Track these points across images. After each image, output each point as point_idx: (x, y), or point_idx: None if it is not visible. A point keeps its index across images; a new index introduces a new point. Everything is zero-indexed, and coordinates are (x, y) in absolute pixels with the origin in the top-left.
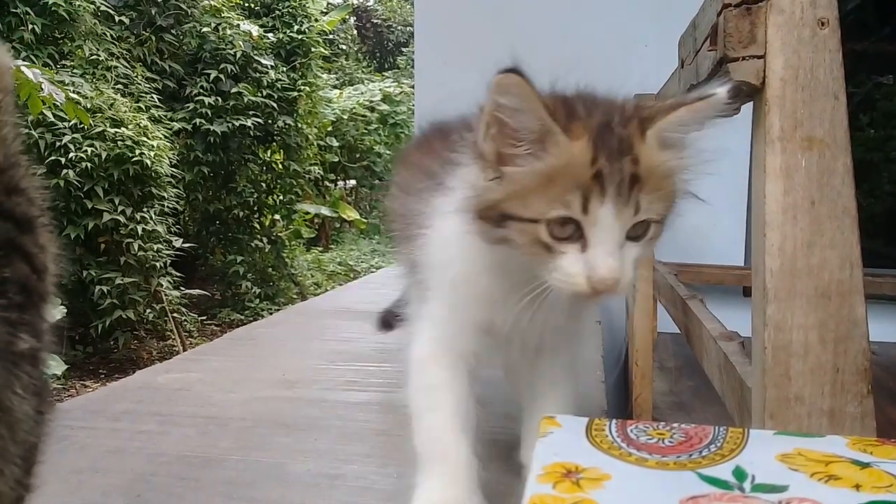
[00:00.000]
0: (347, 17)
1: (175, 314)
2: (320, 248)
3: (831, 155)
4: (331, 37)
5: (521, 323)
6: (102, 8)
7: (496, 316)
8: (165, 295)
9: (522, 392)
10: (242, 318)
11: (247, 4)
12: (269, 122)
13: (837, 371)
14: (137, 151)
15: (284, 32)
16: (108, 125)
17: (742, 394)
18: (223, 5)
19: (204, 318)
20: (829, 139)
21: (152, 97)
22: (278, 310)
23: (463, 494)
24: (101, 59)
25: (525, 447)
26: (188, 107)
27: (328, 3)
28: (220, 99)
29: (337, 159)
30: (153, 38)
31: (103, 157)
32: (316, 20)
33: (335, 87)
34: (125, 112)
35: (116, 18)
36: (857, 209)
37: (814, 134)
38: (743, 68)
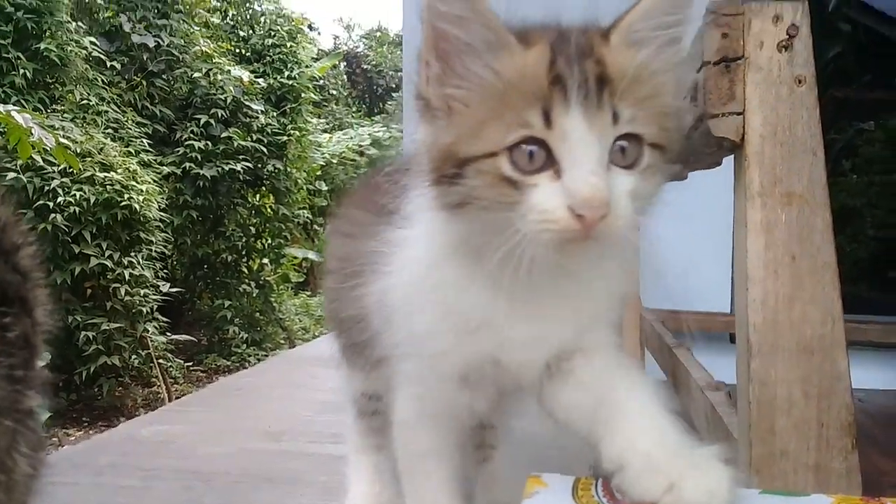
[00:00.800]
0: (338, 63)
1: (161, 360)
2: (308, 293)
3: (811, 210)
4: (321, 82)
5: (515, 347)
6: (94, 53)
7: (478, 347)
8: (151, 341)
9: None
10: (229, 363)
11: (238, 51)
12: (259, 166)
13: (822, 426)
14: (126, 196)
15: (275, 78)
16: (97, 169)
17: (730, 445)
18: (214, 51)
19: (190, 363)
20: (809, 195)
21: (142, 141)
22: (265, 355)
23: None
24: (91, 103)
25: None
26: (178, 151)
27: (319, 50)
28: (210, 143)
29: (326, 203)
30: (144, 83)
31: (92, 201)
32: (306, 66)
33: (325, 131)
34: (115, 156)
35: (108, 64)
36: (837, 261)
37: (793, 189)
38: (723, 124)
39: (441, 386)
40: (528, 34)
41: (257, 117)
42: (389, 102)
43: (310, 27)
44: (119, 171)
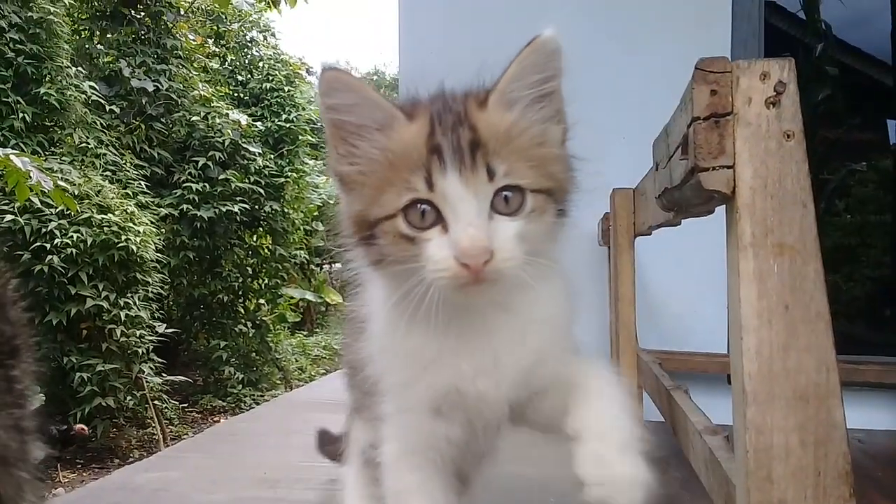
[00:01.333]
0: None
1: (156, 401)
2: (305, 333)
3: (802, 261)
4: (318, 125)
5: (468, 377)
6: (93, 98)
7: (437, 378)
8: (147, 382)
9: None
10: (224, 404)
11: (236, 95)
12: (256, 207)
13: (819, 474)
14: (123, 237)
15: (272, 121)
16: (94, 211)
17: (728, 490)
18: (213, 95)
19: (185, 404)
20: (800, 245)
21: (140, 184)
22: (261, 396)
23: None
24: (90, 146)
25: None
26: (176, 193)
27: (316, 94)
28: (207, 185)
29: (322, 243)
30: (143, 126)
31: (89, 242)
32: (303, 109)
33: (322, 172)
34: (112, 198)
35: (107, 107)
36: (835, 297)
37: (784, 241)
38: (714, 178)
39: (416, 419)
40: (414, 108)
41: (255, 159)
42: None
43: (307, 71)
44: (116, 212)
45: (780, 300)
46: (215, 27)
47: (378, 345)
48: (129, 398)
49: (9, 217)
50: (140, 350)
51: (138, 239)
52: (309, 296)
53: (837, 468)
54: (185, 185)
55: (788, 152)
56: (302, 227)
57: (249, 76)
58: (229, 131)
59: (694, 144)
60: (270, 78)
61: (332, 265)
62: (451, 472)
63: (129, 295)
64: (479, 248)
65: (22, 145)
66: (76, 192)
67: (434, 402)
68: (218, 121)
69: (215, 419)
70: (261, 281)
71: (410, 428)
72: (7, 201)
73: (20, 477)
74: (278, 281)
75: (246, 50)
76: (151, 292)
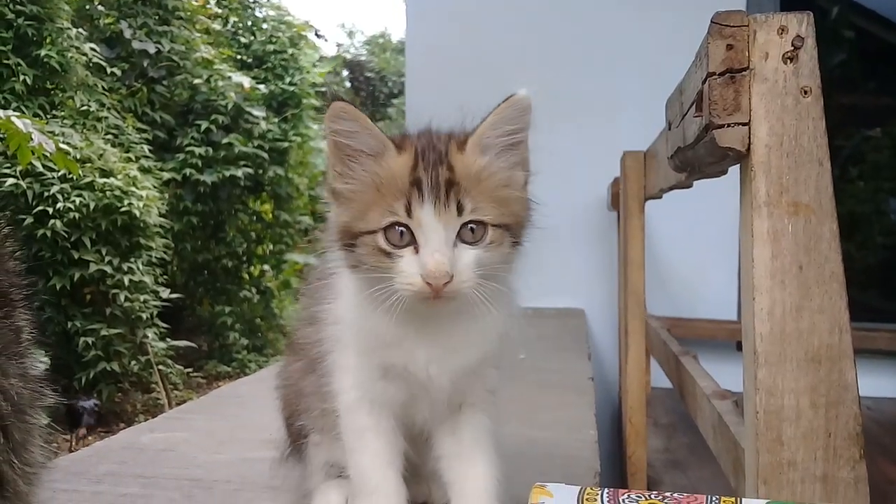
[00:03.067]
0: (339, 69)
1: (161, 366)
2: None
3: (817, 220)
4: (323, 88)
5: (421, 362)
6: (95, 60)
7: (393, 356)
8: (151, 347)
9: (443, 448)
10: (229, 370)
11: (238, 57)
12: (260, 172)
13: (830, 436)
14: (126, 201)
15: (276, 84)
16: (97, 175)
17: (737, 454)
18: (215, 58)
19: (190, 369)
20: (815, 205)
21: (142, 147)
22: (266, 361)
23: None
24: (91, 109)
25: None
26: (178, 157)
27: (321, 57)
28: (210, 149)
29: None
30: (145, 89)
31: (91, 207)
32: (307, 72)
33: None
34: (115, 162)
35: (108, 70)
36: (847, 265)
37: (800, 199)
38: (728, 135)
39: (369, 375)
40: (403, 141)
41: (258, 123)
42: (391, 108)
43: (316, 34)
44: (119, 176)
45: (793, 260)
46: None
47: (342, 309)
48: (133, 363)
49: (11, 180)
50: (144, 315)
51: (141, 203)
52: (313, 261)
53: (848, 430)
54: (187, 149)
55: (805, 109)
56: (306, 193)
57: (252, 38)
58: (232, 94)
59: (709, 101)
60: (274, 40)
61: None
62: (403, 425)
63: (132, 260)
64: (441, 271)
65: (23, 108)
66: (78, 156)
67: (383, 370)
68: (220, 83)
69: (220, 384)
70: (265, 246)
71: (364, 380)
72: (9, 164)
73: (32, 423)
74: (282, 247)
75: (249, 11)
76: (155, 257)
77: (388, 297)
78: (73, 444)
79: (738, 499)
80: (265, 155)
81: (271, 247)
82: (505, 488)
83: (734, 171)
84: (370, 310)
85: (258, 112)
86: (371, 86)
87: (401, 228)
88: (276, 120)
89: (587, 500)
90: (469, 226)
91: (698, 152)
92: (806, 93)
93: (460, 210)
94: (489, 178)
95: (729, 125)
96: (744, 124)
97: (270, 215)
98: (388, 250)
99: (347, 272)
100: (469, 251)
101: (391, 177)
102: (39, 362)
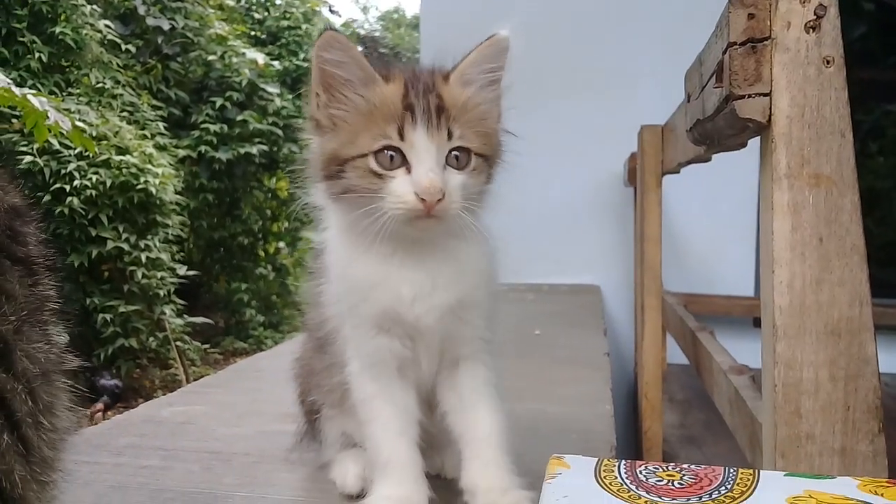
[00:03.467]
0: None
1: (178, 342)
2: None
3: (839, 192)
4: None
5: (406, 301)
6: (109, 37)
7: (381, 298)
8: (169, 323)
9: (446, 404)
10: (246, 346)
11: (252, 33)
12: (275, 149)
13: (848, 409)
14: (142, 179)
15: (290, 60)
16: (113, 153)
17: (753, 429)
18: (229, 34)
19: (207, 346)
20: (837, 176)
21: (158, 125)
22: (282, 338)
23: (411, 490)
24: (106, 87)
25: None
26: (194, 134)
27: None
28: (225, 126)
29: None
30: (159, 66)
31: (108, 184)
32: None
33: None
34: (130, 140)
35: (123, 47)
36: (866, 241)
37: (821, 171)
38: (749, 106)
39: (365, 335)
40: (389, 73)
41: (273, 100)
42: None
43: (330, 10)
44: (135, 154)
45: (814, 233)
46: None
47: (333, 273)
48: (151, 339)
49: (28, 158)
50: (161, 292)
51: (157, 181)
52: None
53: (867, 403)
54: (202, 126)
55: (827, 79)
56: None
57: (266, 14)
58: (246, 71)
59: (729, 71)
60: (288, 15)
61: None
62: (410, 381)
63: (149, 237)
64: (436, 188)
65: (39, 85)
66: (94, 133)
67: (376, 319)
68: (235, 60)
69: (237, 360)
70: (280, 224)
71: (363, 345)
72: (26, 142)
73: (59, 386)
74: (298, 224)
75: None
76: (171, 234)
77: (376, 220)
78: (93, 422)
79: (756, 470)
80: (279, 132)
81: (287, 224)
82: (510, 440)
83: (753, 145)
84: (354, 246)
85: (272, 89)
86: (386, 62)
87: (391, 152)
88: (291, 96)
89: (604, 471)
90: (454, 153)
91: (718, 124)
92: (828, 63)
93: (450, 136)
94: (473, 108)
95: (750, 96)
96: (765, 95)
97: (286, 192)
98: (379, 172)
99: (332, 204)
100: (456, 175)
101: (383, 103)
102: (62, 334)
